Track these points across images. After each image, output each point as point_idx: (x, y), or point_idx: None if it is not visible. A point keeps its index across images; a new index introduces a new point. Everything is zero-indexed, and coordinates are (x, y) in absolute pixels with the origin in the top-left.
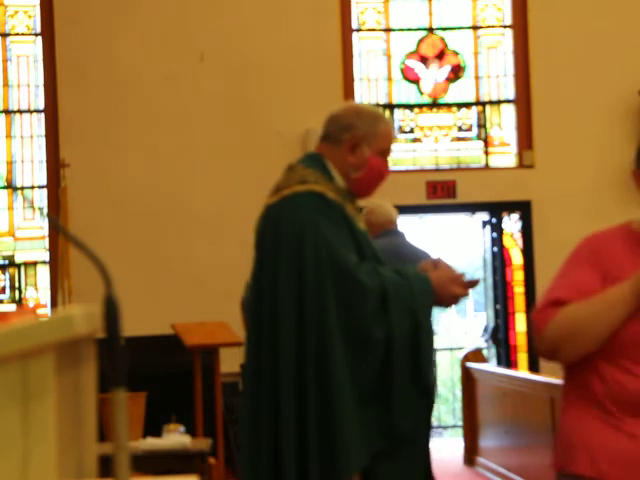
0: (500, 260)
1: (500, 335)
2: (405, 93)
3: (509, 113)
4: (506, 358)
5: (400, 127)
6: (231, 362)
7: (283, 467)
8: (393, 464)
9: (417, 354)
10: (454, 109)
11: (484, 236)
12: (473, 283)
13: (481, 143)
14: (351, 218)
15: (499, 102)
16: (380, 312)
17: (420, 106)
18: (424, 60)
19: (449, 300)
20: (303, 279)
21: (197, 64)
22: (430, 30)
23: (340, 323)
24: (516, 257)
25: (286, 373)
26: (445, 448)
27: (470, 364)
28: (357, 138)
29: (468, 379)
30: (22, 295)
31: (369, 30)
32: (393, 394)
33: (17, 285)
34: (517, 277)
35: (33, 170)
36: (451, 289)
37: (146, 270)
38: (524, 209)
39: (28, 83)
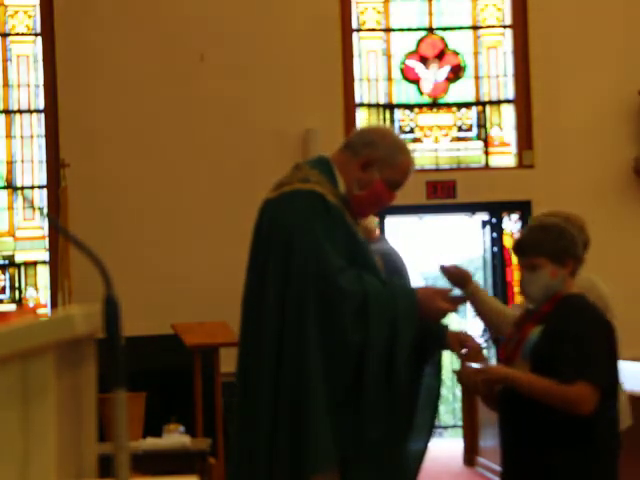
0: (500, 260)
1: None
2: (405, 93)
3: (509, 113)
4: None
5: (400, 127)
6: (231, 362)
7: (256, 465)
8: (368, 465)
9: (392, 364)
10: (454, 109)
11: (484, 236)
12: (461, 300)
13: (481, 143)
14: (348, 222)
15: (499, 102)
16: (358, 318)
17: (420, 106)
18: (424, 60)
19: (435, 314)
20: (287, 279)
21: (197, 64)
22: (430, 30)
23: (318, 325)
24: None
25: (264, 372)
26: (445, 448)
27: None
28: (373, 158)
29: None
30: (22, 295)
31: (369, 30)
32: (364, 400)
33: (17, 285)
34: (517, 277)
35: (33, 170)
36: (437, 304)
37: (146, 270)
38: (524, 209)
39: (28, 83)
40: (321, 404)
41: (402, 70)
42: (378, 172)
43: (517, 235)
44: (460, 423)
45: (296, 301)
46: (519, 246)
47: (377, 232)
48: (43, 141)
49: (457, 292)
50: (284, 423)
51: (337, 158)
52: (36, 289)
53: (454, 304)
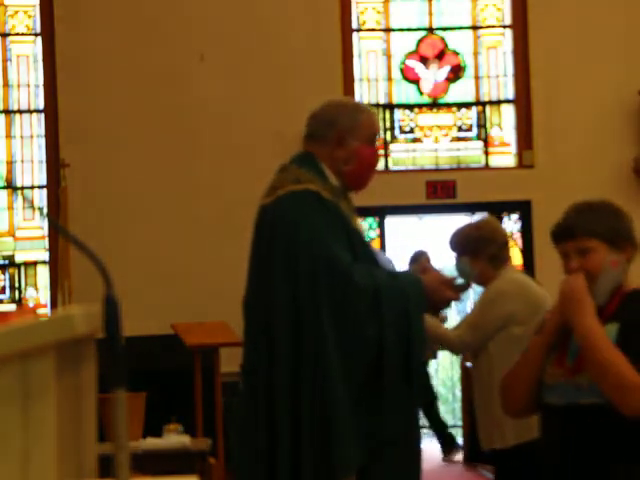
0: None
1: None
2: (405, 93)
3: (509, 113)
4: None
5: (400, 127)
6: (231, 362)
7: (278, 467)
8: (384, 464)
9: (409, 355)
10: (454, 109)
11: None
12: (464, 287)
13: (481, 143)
14: (346, 217)
15: (499, 102)
16: (373, 312)
17: (420, 106)
18: (424, 60)
19: (440, 303)
20: (298, 278)
21: (197, 64)
22: (430, 30)
23: (334, 322)
24: (516, 257)
25: (280, 373)
26: None
27: (470, 364)
28: (341, 132)
29: (468, 379)
30: (22, 295)
31: (369, 30)
32: (384, 394)
33: (17, 285)
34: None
35: (33, 170)
36: (443, 293)
37: (146, 270)
38: (524, 209)
39: (28, 83)
40: (345, 405)
41: (402, 70)
42: (354, 140)
43: (558, 220)
44: (460, 423)
45: (309, 300)
46: (565, 228)
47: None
48: (43, 141)
49: (460, 280)
50: (307, 423)
51: (312, 150)
52: (36, 289)
53: (458, 292)
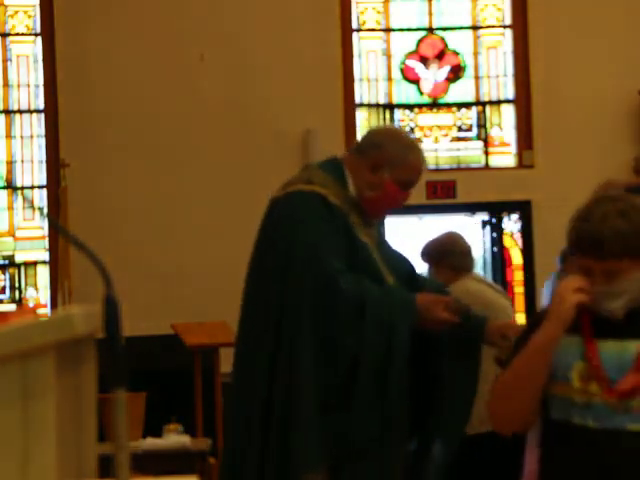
0: (500, 260)
1: None
2: (405, 93)
3: (509, 113)
4: None
5: (400, 127)
6: (231, 362)
7: (245, 465)
8: (360, 465)
9: (387, 366)
10: (454, 109)
11: (484, 236)
12: (462, 310)
13: (481, 143)
14: (353, 227)
15: (499, 102)
16: (355, 321)
17: (420, 106)
18: (424, 60)
19: (434, 323)
20: (287, 279)
21: (197, 64)
22: (430, 30)
23: (314, 326)
24: (516, 257)
25: (260, 372)
26: None
27: None
28: (381, 159)
29: None
30: (22, 295)
31: (369, 30)
32: (356, 402)
33: (17, 285)
34: (517, 277)
35: (33, 170)
36: (436, 313)
37: (146, 270)
38: (524, 209)
39: (28, 83)
40: (311, 404)
41: (402, 70)
42: (388, 173)
43: (581, 225)
44: None
45: (293, 301)
46: (594, 245)
47: None
48: (43, 141)
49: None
50: (275, 423)
51: (348, 160)
52: (36, 289)
53: (455, 314)
